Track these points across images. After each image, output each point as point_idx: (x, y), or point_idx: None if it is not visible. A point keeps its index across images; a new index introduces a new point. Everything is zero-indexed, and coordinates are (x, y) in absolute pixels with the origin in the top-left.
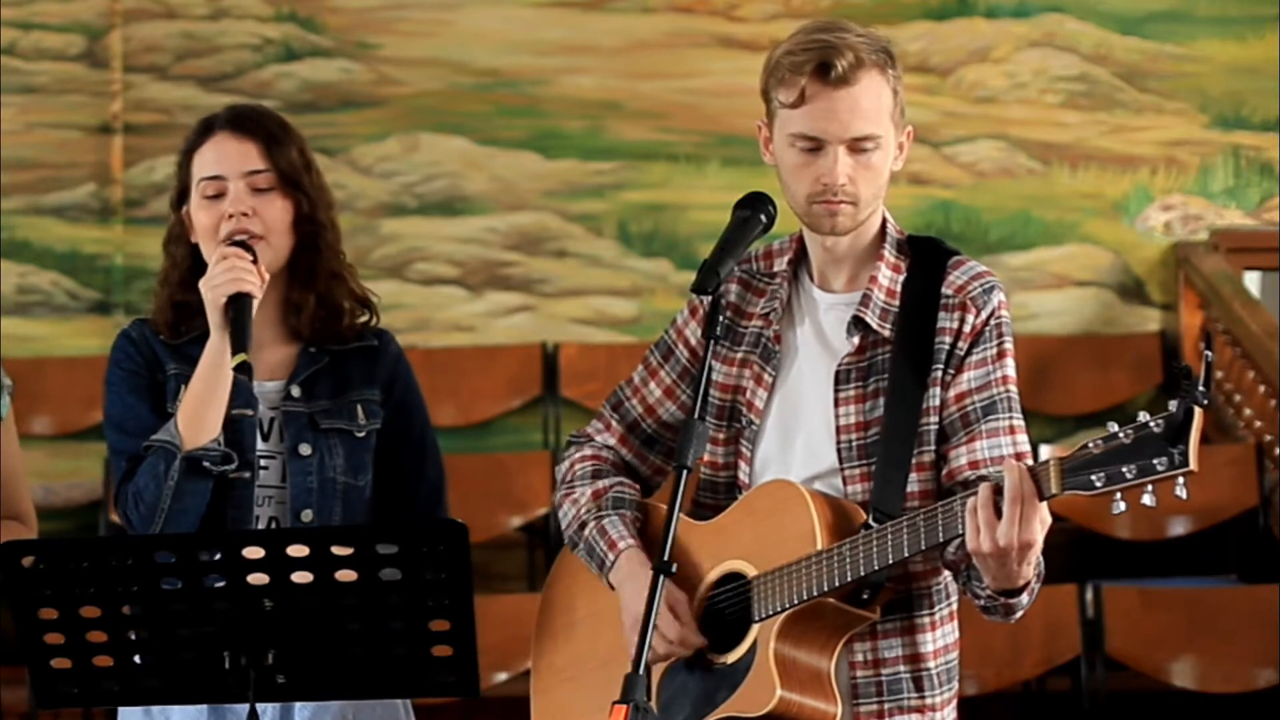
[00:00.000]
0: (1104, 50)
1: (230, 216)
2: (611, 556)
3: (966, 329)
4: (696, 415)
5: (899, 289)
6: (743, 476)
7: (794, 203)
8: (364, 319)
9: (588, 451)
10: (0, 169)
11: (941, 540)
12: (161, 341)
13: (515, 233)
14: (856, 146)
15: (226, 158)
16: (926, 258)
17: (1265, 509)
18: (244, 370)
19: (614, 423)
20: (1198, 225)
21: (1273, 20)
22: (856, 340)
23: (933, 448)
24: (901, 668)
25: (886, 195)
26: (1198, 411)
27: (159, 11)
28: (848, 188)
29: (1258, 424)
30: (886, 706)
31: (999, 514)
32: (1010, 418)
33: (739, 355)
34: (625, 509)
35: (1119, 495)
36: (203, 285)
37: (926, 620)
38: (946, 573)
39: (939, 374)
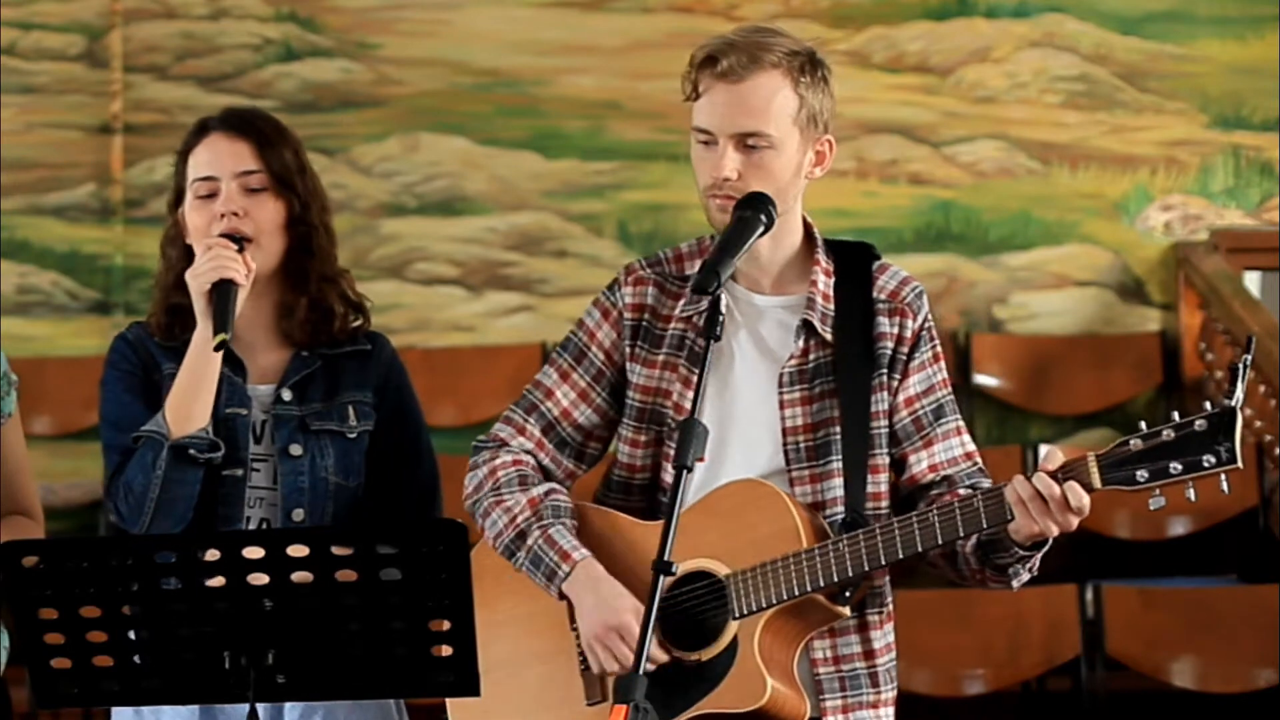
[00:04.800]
0: (1104, 50)
1: (222, 217)
2: (566, 567)
3: (907, 334)
4: (694, 415)
5: (832, 293)
6: (666, 478)
7: (700, 197)
8: (357, 323)
9: (508, 457)
10: (0, 169)
11: (961, 535)
12: (157, 343)
13: (515, 233)
14: (743, 143)
15: (219, 158)
16: (851, 262)
17: (1265, 509)
18: (224, 350)
19: (529, 426)
20: (1198, 225)
21: (1273, 20)
22: (801, 343)
23: (885, 450)
24: (859, 664)
25: (804, 200)
26: (1239, 411)
27: (159, 11)
28: (736, 183)
29: (1258, 424)
30: (849, 702)
31: (1046, 501)
32: (956, 419)
33: (660, 358)
34: (566, 517)
35: (1158, 490)
36: (188, 276)
37: (876, 619)
38: (888, 575)
39: (884, 378)
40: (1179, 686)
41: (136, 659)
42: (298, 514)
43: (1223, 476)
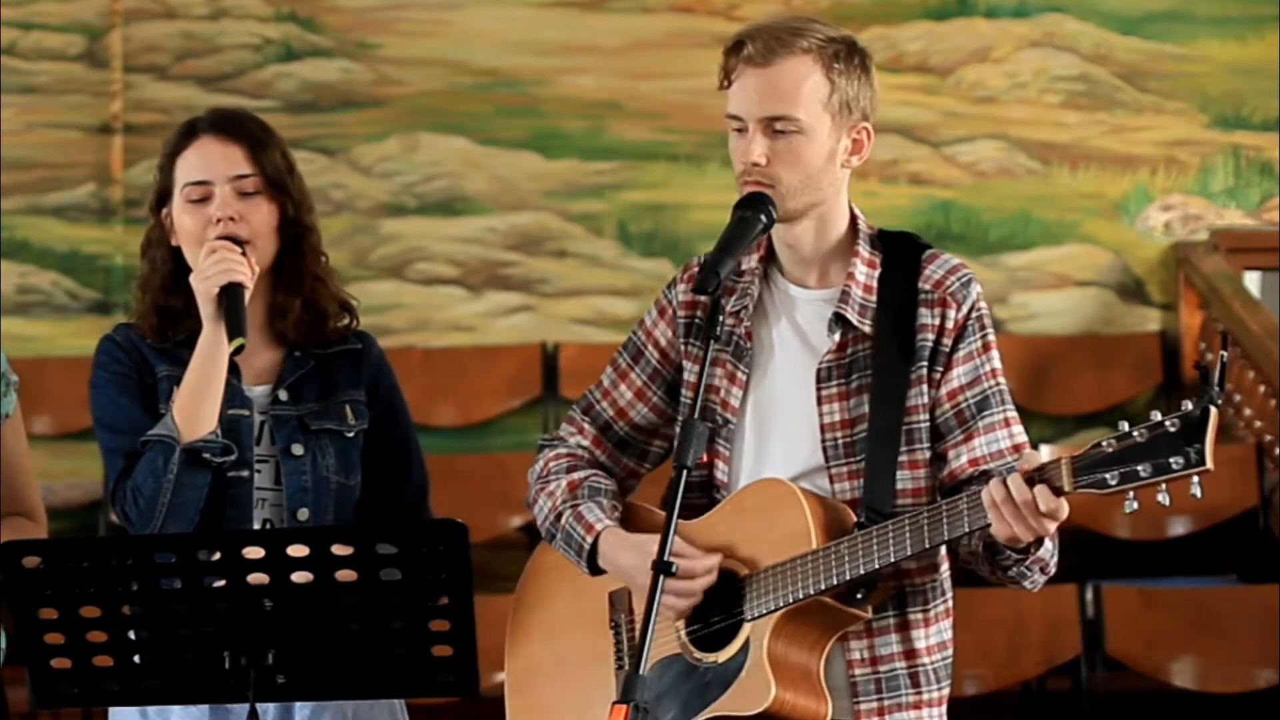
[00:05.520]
0: (1104, 50)
1: (218, 221)
2: (590, 539)
3: (950, 324)
4: (694, 415)
5: (875, 284)
6: (720, 475)
7: (737, 186)
8: (345, 322)
9: (562, 450)
10: (0, 169)
11: (946, 539)
12: (149, 345)
13: (515, 233)
14: (772, 127)
15: (211, 161)
16: (900, 252)
17: (1265, 509)
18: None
19: (586, 426)
20: (1198, 225)
21: (1273, 20)
22: (838, 337)
23: (926, 445)
24: (898, 664)
25: (849, 191)
26: (1214, 411)
27: (159, 11)
28: (766, 169)
29: (1258, 424)
30: (885, 704)
31: (1018, 505)
32: (1004, 410)
33: (710, 354)
34: (602, 497)
35: (1132, 494)
36: (193, 280)
37: (920, 617)
38: (942, 570)
39: (925, 371)
40: (1179, 686)
41: (136, 659)
42: (303, 514)
43: (1194, 479)
